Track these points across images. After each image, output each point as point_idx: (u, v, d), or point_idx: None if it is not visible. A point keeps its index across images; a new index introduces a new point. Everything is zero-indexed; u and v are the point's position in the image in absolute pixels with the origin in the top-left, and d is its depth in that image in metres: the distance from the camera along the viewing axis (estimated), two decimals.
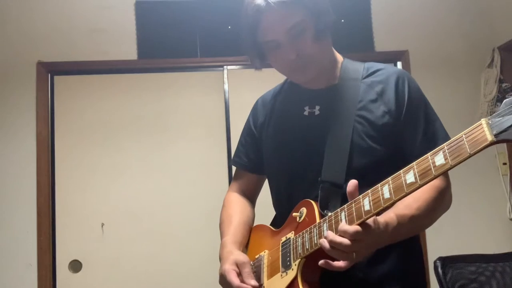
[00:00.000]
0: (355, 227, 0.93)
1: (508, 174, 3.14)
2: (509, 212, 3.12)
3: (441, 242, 2.92)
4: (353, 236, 0.93)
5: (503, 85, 3.06)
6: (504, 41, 3.10)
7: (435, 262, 2.08)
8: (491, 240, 3.04)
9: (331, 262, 0.97)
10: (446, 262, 2.08)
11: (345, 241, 0.94)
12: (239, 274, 1.16)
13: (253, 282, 1.13)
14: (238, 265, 1.18)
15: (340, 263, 0.97)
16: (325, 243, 0.97)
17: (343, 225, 0.94)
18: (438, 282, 2.05)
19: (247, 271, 1.16)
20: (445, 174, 1.14)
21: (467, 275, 2.09)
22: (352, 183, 0.98)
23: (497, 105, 3.01)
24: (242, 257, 1.20)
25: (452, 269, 2.08)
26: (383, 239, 1.00)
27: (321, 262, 0.98)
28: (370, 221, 0.95)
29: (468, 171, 2.92)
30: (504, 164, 3.16)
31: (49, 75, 3.00)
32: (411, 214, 1.05)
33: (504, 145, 3.14)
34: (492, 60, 3.15)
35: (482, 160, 3.09)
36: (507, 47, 3.10)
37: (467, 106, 3.14)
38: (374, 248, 1.01)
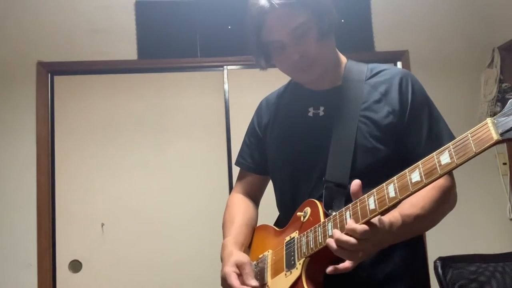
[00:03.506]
0: (363, 226, 0.92)
1: (508, 174, 3.15)
2: (509, 212, 3.12)
3: (441, 242, 2.92)
4: (361, 235, 0.92)
5: (503, 85, 3.07)
6: (504, 41, 3.10)
7: (435, 262, 2.08)
8: (491, 240, 3.04)
9: (338, 266, 0.97)
10: (446, 262, 2.09)
11: (352, 239, 0.93)
12: (240, 275, 1.16)
13: (254, 283, 1.13)
14: (238, 266, 1.17)
15: (346, 264, 0.97)
16: (331, 242, 0.96)
17: (352, 224, 0.93)
18: (438, 282, 2.06)
19: (247, 271, 1.16)
20: (450, 173, 1.15)
21: (467, 275, 2.10)
22: (356, 183, 0.98)
23: (497, 105, 3.01)
24: (242, 257, 1.20)
25: (452, 269, 2.09)
26: (388, 238, 1.00)
27: (329, 269, 0.97)
28: (375, 220, 0.95)
29: (468, 171, 2.89)
30: (504, 164, 3.16)
31: (49, 75, 3.00)
32: (416, 214, 1.05)
33: (504, 145, 3.14)
34: (492, 60, 3.15)
35: (482, 160, 3.05)
36: (507, 47, 3.10)
37: (467, 106, 3.14)
38: (379, 248, 1.01)
